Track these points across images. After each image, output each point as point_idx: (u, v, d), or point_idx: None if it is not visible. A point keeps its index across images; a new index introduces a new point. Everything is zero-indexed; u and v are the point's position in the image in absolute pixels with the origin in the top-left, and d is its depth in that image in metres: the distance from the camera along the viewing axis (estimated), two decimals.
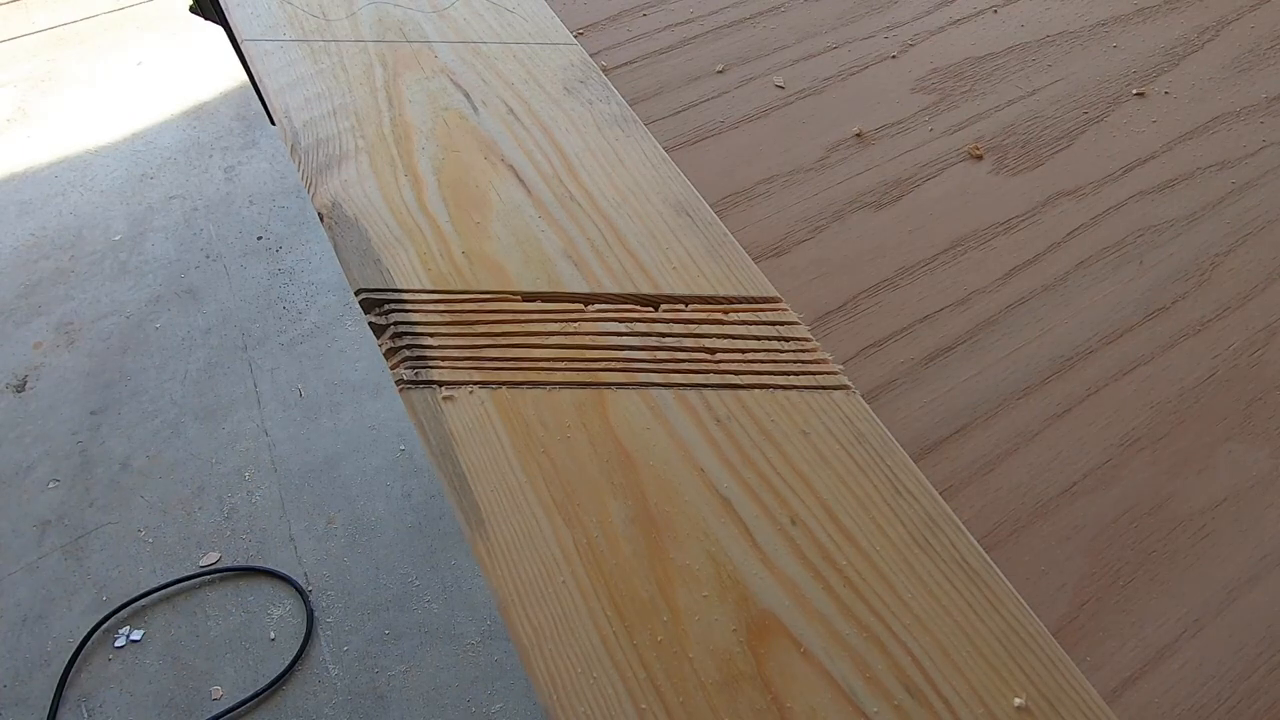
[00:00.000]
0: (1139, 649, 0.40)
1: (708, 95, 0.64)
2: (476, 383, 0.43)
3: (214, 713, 1.17)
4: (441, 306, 0.46)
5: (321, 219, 0.50)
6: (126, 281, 1.64)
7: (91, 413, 1.42)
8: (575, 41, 0.60)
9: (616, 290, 0.47)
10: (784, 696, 0.35)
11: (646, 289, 0.47)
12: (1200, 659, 0.40)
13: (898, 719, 0.34)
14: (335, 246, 0.49)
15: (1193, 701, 0.39)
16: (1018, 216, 0.57)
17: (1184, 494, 0.45)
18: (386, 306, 0.46)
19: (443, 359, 0.44)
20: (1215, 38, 0.68)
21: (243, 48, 0.59)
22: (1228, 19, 0.70)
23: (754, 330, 0.47)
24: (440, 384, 0.43)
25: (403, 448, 1.33)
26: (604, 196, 0.51)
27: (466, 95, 0.56)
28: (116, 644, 1.22)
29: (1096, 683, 0.36)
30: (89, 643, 1.22)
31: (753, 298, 0.47)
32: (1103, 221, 0.57)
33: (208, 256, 1.65)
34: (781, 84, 0.65)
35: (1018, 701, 0.35)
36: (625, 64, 0.66)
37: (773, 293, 0.48)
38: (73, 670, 1.20)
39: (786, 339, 0.46)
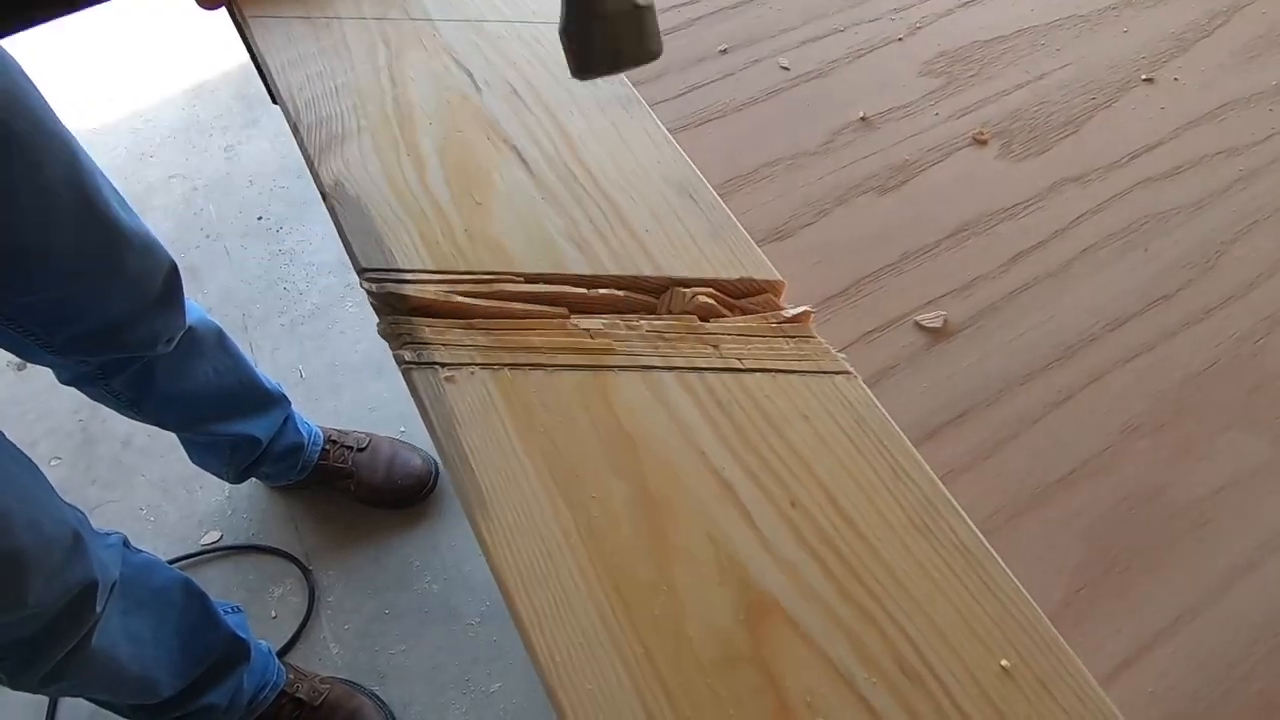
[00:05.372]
0: (1135, 634, 0.41)
1: (712, 77, 0.64)
2: (479, 364, 0.43)
3: None
4: (444, 287, 0.46)
5: (324, 198, 0.50)
6: None
7: None
8: None
9: (619, 272, 0.47)
10: (781, 677, 0.35)
11: (649, 271, 0.47)
12: (1196, 644, 0.40)
13: (894, 700, 0.35)
14: (338, 226, 0.49)
15: (1187, 686, 0.39)
16: (1023, 203, 0.57)
17: (1183, 481, 0.45)
18: (389, 286, 0.46)
19: (445, 340, 0.44)
20: (1226, 23, 0.68)
21: (244, 25, 0.59)
22: (1240, 4, 0.69)
23: (756, 314, 0.47)
24: (442, 365, 0.43)
25: (403, 429, 1.34)
26: (607, 178, 0.51)
27: (470, 75, 0.56)
28: None
29: (1092, 667, 0.36)
30: None
31: (755, 281, 0.47)
32: (1108, 208, 0.56)
33: (208, 236, 1.64)
34: (787, 65, 0.64)
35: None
36: None
37: (775, 276, 0.47)
38: None
39: (789, 323, 0.46)
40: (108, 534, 0.81)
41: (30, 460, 0.70)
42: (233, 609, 1.04)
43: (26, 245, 0.70)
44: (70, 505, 0.74)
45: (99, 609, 0.73)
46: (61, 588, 0.68)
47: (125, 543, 0.84)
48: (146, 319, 0.85)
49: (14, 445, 0.68)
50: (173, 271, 0.86)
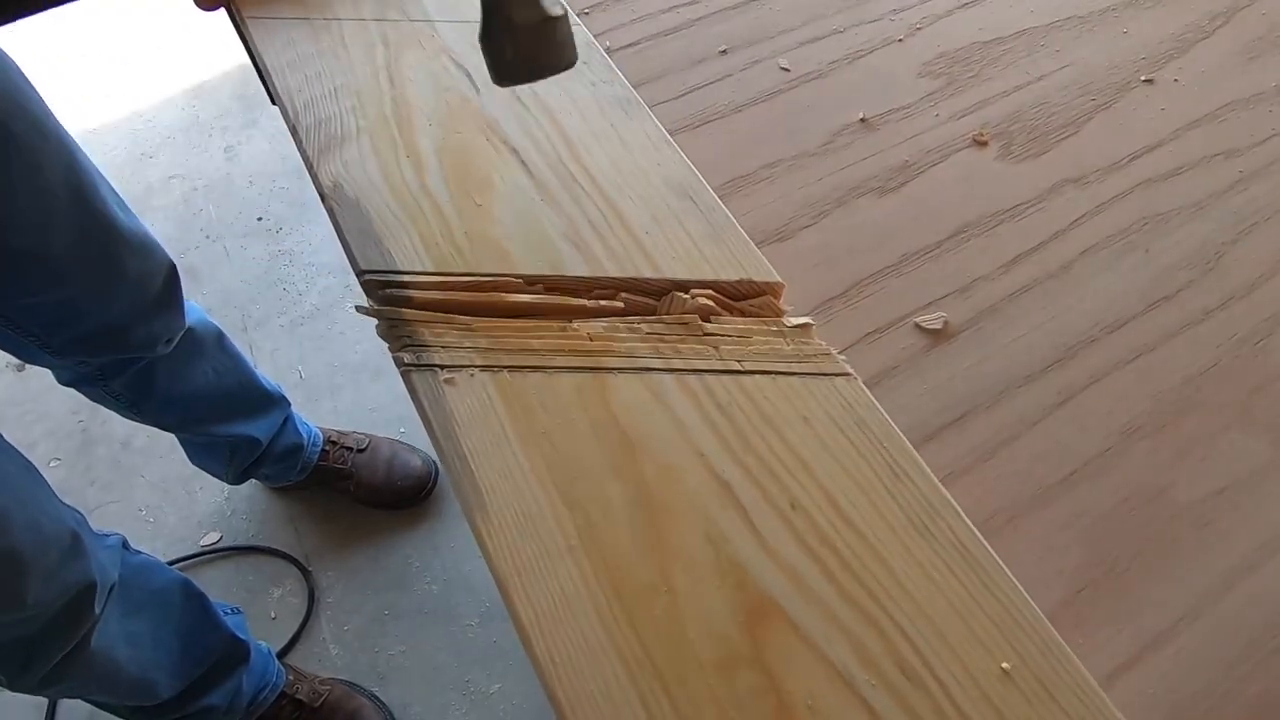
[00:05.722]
0: (1135, 635, 0.41)
1: (712, 78, 0.64)
2: (478, 366, 0.43)
3: None
4: (443, 289, 0.46)
5: (323, 200, 0.50)
6: None
7: None
8: (579, 22, 0.59)
9: (618, 274, 0.47)
10: (782, 679, 0.35)
11: (648, 273, 0.47)
12: (1196, 646, 0.40)
13: (894, 702, 0.35)
14: (337, 228, 0.49)
15: (1187, 688, 0.39)
16: (1023, 204, 0.57)
17: (1184, 482, 0.45)
18: (389, 288, 0.46)
19: (444, 342, 0.44)
20: (1226, 24, 0.68)
21: (243, 26, 0.59)
22: (1240, 4, 0.69)
23: (756, 316, 0.46)
24: (441, 367, 0.43)
25: (403, 429, 1.33)
26: (606, 179, 0.51)
27: (469, 75, 0.56)
28: None
29: (1092, 669, 0.36)
30: None
31: (755, 282, 0.47)
32: (1108, 209, 0.56)
33: (208, 237, 1.64)
34: (787, 66, 0.64)
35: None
36: (629, 45, 0.66)
37: (775, 278, 0.47)
38: None
39: (788, 325, 0.46)
40: (107, 535, 0.81)
41: (29, 461, 0.70)
42: (232, 610, 1.04)
43: (25, 247, 0.70)
44: (69, 506, 0.74)
45: (98, 610, 0.73)
46: (60, 588, 0.68)
47: (124, 544, 0.84)
48: (146, 320, 0.85)
49: (13, 446, 0.68)
50: (172, 272, 0.86)
